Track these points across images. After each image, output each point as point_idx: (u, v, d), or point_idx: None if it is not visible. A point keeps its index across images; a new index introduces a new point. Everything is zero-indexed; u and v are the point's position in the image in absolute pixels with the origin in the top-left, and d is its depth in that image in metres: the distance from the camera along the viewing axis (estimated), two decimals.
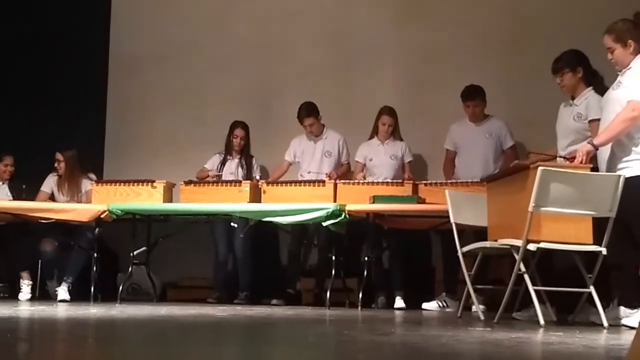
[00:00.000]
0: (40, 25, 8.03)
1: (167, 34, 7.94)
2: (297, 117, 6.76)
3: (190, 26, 7.92)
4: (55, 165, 6.88)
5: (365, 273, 6.01)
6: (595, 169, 4.64)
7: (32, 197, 6.79)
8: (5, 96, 7.91)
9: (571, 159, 4.70)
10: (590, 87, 5.08)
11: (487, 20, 7.15)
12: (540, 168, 4.35)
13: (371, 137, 6.69)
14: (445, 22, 7.25)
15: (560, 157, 4.99)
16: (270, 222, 6.06)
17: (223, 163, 6.93)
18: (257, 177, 6.75)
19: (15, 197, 6.76)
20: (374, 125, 6.64)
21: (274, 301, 6.35)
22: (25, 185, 6.81)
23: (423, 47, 7.27)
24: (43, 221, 6.34)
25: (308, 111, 6.72)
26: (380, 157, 6.62)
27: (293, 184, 6.36)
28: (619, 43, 4.59)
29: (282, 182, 6.49)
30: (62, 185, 6.87)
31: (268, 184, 6.42)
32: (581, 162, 4.57)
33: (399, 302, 6.25)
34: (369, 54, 7.39)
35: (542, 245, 4.41)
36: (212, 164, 6.94)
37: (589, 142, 4.63)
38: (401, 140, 6.66)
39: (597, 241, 4.45)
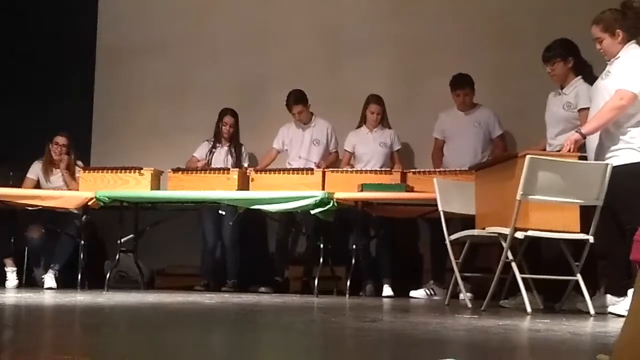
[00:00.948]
0: (28, 15, 7.99)
1: (154, 23, 7.90)
2: (285, 105, 6.75)
3: (178, 16, 7.89)
4: (55, 149, 6.80)
5: (353, 261, 6.01)
6: (584, 157, 4.65)
7: (18, 184, 6.75)
8: None
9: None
10: (580, 77, 5.09)
11: (477, 10, 7.12)
12: (528, 156, 4.35)
13: (359, 126, 6.69)
14: (435, 13, 7.23)
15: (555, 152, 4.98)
16: (259, 210, 6.05)
17: (212, 151, 6.91)
18: (246, 165, 6.74)
19: (1, 184, 6.72)
20: (362, 114, 6.64)
21: (262, 289, 6.35)
22: (12, 172, 6.77)
23: (413, 37, 7.24)
24: (30, 208, 6.31)
25: (297, 99, 6.71)
26: (369, 145, 6.62)
27: (281, 172, 6.35)
28: (607, 33, 4.59)
29: (270, 170, 6.47)
30: (50, 171, 6.81)
31: (256, 171, 6.41)
32: (569, 151, 4.58)
33: (387, 290, 6.25)
34: (359, 44, 7.37)
35: (530, 233, 4.43)
36: (200, 152, 6.92)
37: (577, 131, 4.65)
38: (389, 128, 6.67)
39: (585, 229, 4.47)
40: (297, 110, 6.72)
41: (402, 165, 6.46)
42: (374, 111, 6.57)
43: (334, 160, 6.83)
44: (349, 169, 6.40)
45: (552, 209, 4.48)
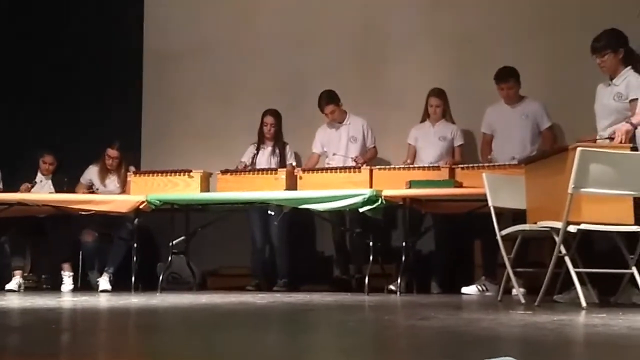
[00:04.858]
0: (77, 21, 8.15)
1: (199, 27, 7.98)
2: (318, 106, 6.76)
3: (222, 18, 7.96)
4: (107, 161, 6.93)
5: (403, 258, 5.99)
6: (635, 148, 4.58)
7: (72, 188, 6.89)
8: (45, 92, 8.03)
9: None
10: (630, 67, 5.00)
11: (524, 0, 7.05)
12: (579, 149, 4.29)
13: (423, 120, 6.67)
14: (481, 3, 7.17)
15: (603, 138, 4.91)
16: (307, 209, 6.06)
17: (257, 152, 6.95)
18: (293, 163, 6.75)
19: (57, 190, 6.85)
20: (425, 109, 6.61)
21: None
22: (67, 178, 6.91)
23: (459, 29, 7.19)
24: (83, 213, 6.42)
25: (328, 99, 6.73)
26: (429, 138, 6.58)
27: (329, 171, 6.36)
28: None
29: (318, 169, 6.49)
30: (105, 176, 6.94)
31: (304, 171, 6.42)
32: (620, 142, 4.52)
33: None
34: (402, 39, 7.34)
35: (583, 226, 4.37)
36: (247, 156, 6.96)
37: (627, 121, 4.58)
38: (453, 122, 6.62)
39: (639, 221, 4.39)
40: (329, 110, 6.74)
41: (461, 160, 6.40)
42: (433, 104, 6.55)
43: (372, 156, 6.83)
44: (396, 166, 6.37)
45: (604, 201, 4.42)
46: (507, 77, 6.23)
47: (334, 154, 6.78)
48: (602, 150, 4.42)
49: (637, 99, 4.77)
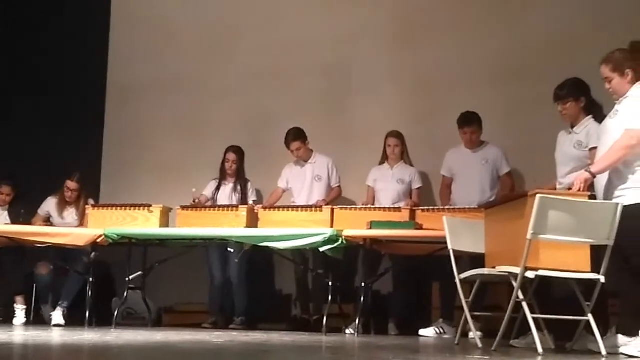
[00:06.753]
0: (40, 52, 8.08)
1: (164, 62, 7.99)
2: (284, 143, 6.77)
3: (188, 54, 7.97)
4: (66, 193, 6.84)
5: (362, 299, 5.98)
6: (593, 196, 4.64)
7: (29, 220, 6.77)
8: (5, 121, 7.93)
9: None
10: (591, 116, 5.10)
11: (486, 48, 7.17)
12: (538, 195, 4.34)
13: (382, 163, 6.70)
14: (444, 51, 7.28)
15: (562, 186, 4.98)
16: (267, 247, 6.03)
17: (218, 188, 6.92)
18: (252, 201, 6.73)
19: (13, 221, 6.73)
20: (383, 150, 6.66)
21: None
22: (23, 210, 6.79)
23: (421, 75, 7.30)
24: (38, 245, 6.32)
25: (295, 136, 6.75)
26: (387, 180, 6.63)
27: (290, 209, 6.35)
28: (616, 72, 4.60)
29: (278, 207, 6.48)
30: (63, 208, 6.84)
31: (264, 208, 6.40)
32: (579, 190, 4.57)
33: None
34: (368, 82, 7.43)
35: (541, 272, 4.40)
36: (209, 190, 6.94)
37: (586, 170, 4.64)
38: (411, 165, 6.67)
39: (595, 269, 4.44)
40: (295, 147, 6.76)
41: (419, 203, 6.43)
42: (391, 144, 6.61)
43: (336, 195, 6.84)
44: (358, 207, 6.39)
45: (562, 248, 4.45)
46: (471, 121, 6.32)
47: (298, 198, 6.77)
48: (561, 197, 4.47)
49: (596, 147, 4.84)
